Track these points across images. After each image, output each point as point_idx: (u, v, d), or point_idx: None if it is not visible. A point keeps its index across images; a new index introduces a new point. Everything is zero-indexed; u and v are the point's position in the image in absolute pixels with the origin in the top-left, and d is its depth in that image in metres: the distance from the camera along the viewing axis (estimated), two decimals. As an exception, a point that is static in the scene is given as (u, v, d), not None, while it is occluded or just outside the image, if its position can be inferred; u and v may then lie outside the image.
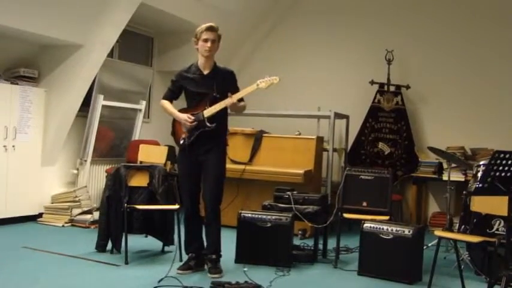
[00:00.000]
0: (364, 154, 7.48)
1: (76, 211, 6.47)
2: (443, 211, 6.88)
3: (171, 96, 4.63)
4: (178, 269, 4.43)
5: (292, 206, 5.19)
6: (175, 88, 4.60)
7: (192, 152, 4.45)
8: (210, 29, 4.39)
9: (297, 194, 5.35)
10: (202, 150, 4.44)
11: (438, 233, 4.36)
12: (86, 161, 6.88)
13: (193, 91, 4.49)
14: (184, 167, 4.56)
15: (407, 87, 7.52)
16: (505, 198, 3.61)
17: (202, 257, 4.54)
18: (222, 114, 4.51)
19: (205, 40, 4.39)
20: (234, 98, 4.38)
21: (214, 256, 4.50)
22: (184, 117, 4.42)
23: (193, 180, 4.50)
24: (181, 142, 4.49)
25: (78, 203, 6.52)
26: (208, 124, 4.39)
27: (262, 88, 4.40)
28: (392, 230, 4.57)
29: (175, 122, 4.60)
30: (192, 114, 4.42)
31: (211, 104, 4.40)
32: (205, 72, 4.48)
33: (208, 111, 4.39)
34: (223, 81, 4.47)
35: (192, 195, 4.52)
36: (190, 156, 4.46)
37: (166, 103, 4.61)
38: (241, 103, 4.54)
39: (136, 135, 7.51)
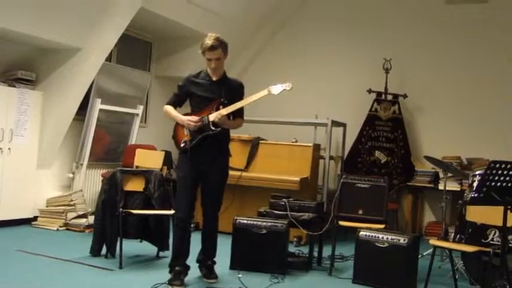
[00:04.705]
0: (361, 162, 7.48)
1: (71, 215, 6.44)
2: (439, 220, 6.88)
3: (176, 102, 4.50)
4: (174, 284, 4.21)
5: (288, 213, 5.18)
6: (182, 93, 4.47)
7: (194, 157, 4.31)
8: (210, 49, 4.24)
9: (293, 201, 5.34)
10: (205, 158, 4.34)
11: (433, 242, 4.37)
12: (82, 164, 6.86)
13: (201, 95, 4.38)
14: (184, 173, 4.39)
15: (405, 96, 7.55)
16: (500, 208, 3.61)
17: (187, 268, 4.42)
18: None
19: (209, 59, 4.30)
20: (246, 101, 4.34)
21: (209, 262, 4.53)
22: (187, 117, 4.33)
23: (192, 188, 4.38)
24: (183, 145, 4.37)
25: (73, 207, 6.48)
26: (212, 128, 4.30)
27: (274, 94, 4.32)
28: (387, 238, 4.58)
29: (177, 126, 4.47)
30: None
31: (218, 109, 4.31)
32: (215, 78, 4.40)
33: (215, 115, 4.28)
34: (231, 90, 4.39)
35: (190, 203, 4.38)
36: (192, 162, 4.32)
37: (169, 108, 4.47)
38: (238, 120, 4.49)
39: (132, 140, 7.49)
